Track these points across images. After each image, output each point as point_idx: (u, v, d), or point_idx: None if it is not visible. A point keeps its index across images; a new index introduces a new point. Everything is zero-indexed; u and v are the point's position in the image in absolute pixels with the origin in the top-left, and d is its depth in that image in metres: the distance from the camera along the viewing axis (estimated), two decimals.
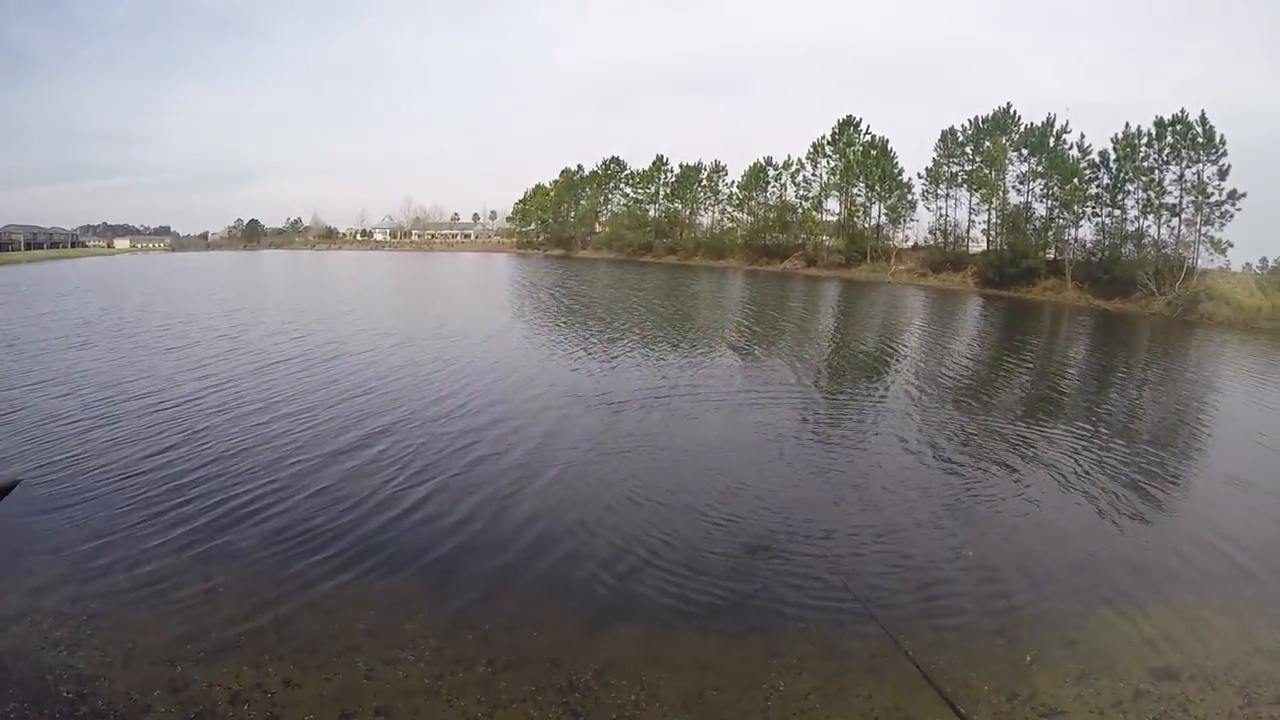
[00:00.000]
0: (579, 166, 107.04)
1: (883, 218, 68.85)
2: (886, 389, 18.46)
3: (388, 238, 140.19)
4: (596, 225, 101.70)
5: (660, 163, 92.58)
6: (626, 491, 10.20)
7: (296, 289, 45.04)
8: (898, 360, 23.80)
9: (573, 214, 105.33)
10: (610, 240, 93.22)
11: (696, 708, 5.61)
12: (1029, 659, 6.46)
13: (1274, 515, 10.92)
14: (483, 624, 6.59)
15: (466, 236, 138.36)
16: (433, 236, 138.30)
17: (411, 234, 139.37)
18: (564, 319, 28.98)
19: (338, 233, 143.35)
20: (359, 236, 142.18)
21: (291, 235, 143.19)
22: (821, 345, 26.13)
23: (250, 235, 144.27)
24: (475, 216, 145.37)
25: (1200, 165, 52.08)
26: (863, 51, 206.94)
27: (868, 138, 70.14)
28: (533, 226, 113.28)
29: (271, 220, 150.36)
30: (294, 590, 7.19)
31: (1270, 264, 59.43)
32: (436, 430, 12.97)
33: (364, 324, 25.81)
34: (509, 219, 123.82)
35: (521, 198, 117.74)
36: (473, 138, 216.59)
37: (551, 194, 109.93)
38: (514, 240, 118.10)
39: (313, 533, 8.56)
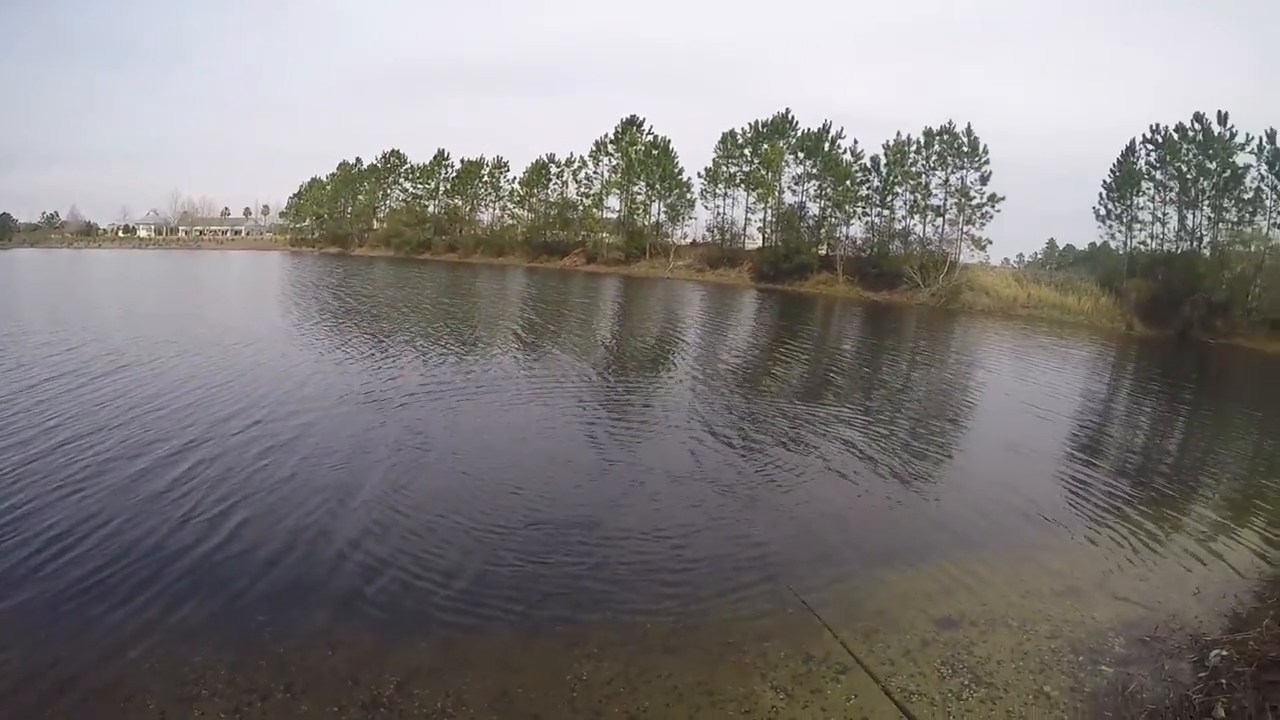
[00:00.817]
0: (357, 159, 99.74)
1: (662, 215, 69.99)
2: (670, 379, 18.34)
3: (153, 234, 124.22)
4: (374, 222, 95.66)
5: (441, 157, 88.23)
6: (414, 498, 9.49)
7: (64, 292, 38.67)
8: (679, 351, 23.76)
9: (350, 210, 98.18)
10: (388, 237, 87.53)
11: (503, 706, 5.54)
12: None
13: (1041, 471, 12.36)
14: (275, 648, 6.10)
15: (238, 233, 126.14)
16: (201, 233, 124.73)
17: (179, 230, 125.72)
18: (349, 321, 26.21)
19: (98, 229, 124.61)
20: (121, 233, 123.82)
21: (47, 231, 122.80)
22: (603, 339, 25.51)
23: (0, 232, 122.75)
24: (247, 211, 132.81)
25: (964, 171, 57.91)
26: (650, 52, 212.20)
27: (650, 137, 70.98)
28: (308, 223, 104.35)
29: (24, 215, 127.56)
30: (71, 640, 6.20)
31: (1026, 259, 66.08)
32: (220, 448, 11.00)
33: (141, 332, 21.82)
34: (282, 214, 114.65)
35: (297, 191, 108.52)
36: (247, 127, 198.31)
37: (328, 188, 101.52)
38: (288, 237, 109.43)
39: (93, 573, 7.24)
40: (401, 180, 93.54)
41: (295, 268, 58.97)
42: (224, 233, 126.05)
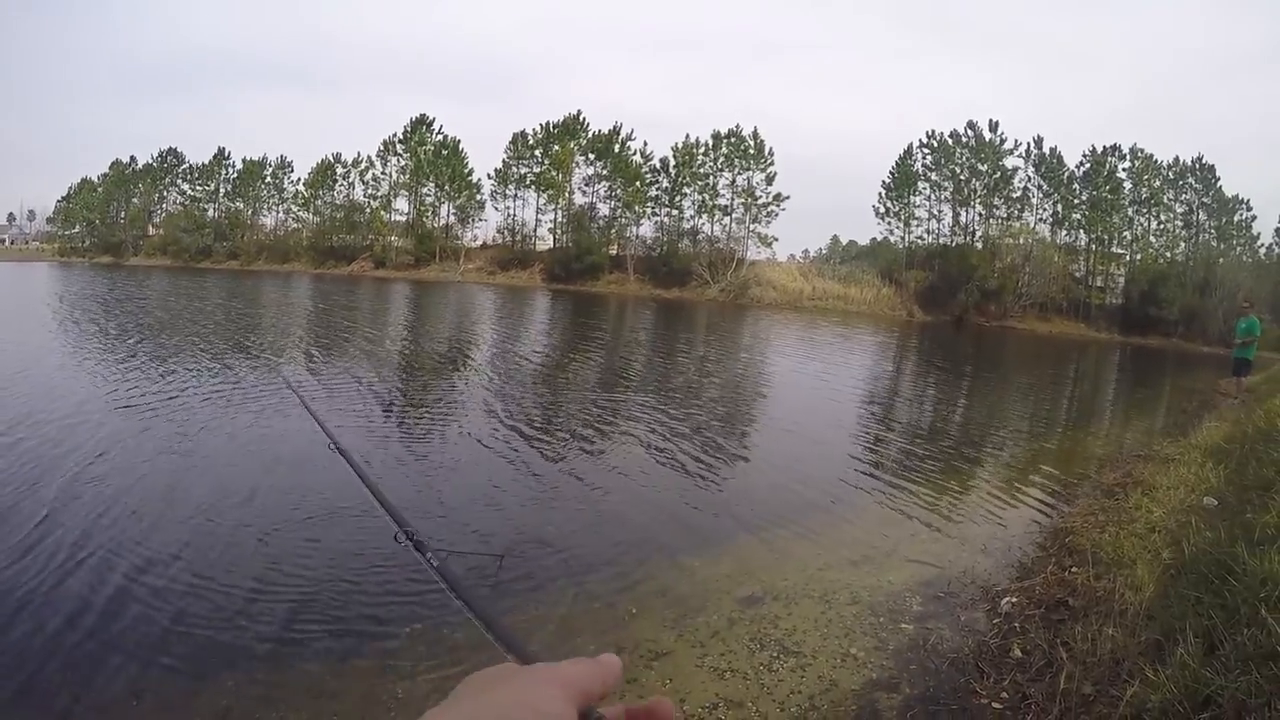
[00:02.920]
0: (131, 158, 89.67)
1: (452, 217, 68.48)
2: (462, 380, 17.59)
3: None
4: (150, 227, 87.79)
5: (221, 156, 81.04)
6: (184, 528, 8.33)
7: None
8: (473, 351, 23.04)
9: (124, 214, 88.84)
10: (165, 244, 79.54)
11: None
12: (629, 615, 6.65)
13: (831, 450, 12.90)
14: (73, 709, 5.23)
15: (0, 242, 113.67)
16: None
17: None
18: (125, 340, 22.64)
19: None
20: None
21: None
22: (392, 343, 24.02)
23: None
24: (11, 218, 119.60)
25: (751, 172, 59.78)
26: (441, 56, 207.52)
27: (439, 137, 68.79)
28: (78, 229, 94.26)
29: None
30: None
31: (811, 254, 68.91)
32: None
33: None
34: (49, 220, 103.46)
35: (65, 194, 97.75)
36: (9, 120, 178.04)
37: (100, 190, 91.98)
38: (55, 247, 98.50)
39: None
40: (179, 181, 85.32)
41: (65, 281, 51.93)
42: None
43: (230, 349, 20.04)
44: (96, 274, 59.14)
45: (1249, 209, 55.98)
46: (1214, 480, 8.94)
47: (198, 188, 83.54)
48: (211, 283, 51.68)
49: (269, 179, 78.52)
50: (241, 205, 79.96)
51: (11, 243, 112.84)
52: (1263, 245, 56.82)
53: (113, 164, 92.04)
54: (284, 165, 78.06)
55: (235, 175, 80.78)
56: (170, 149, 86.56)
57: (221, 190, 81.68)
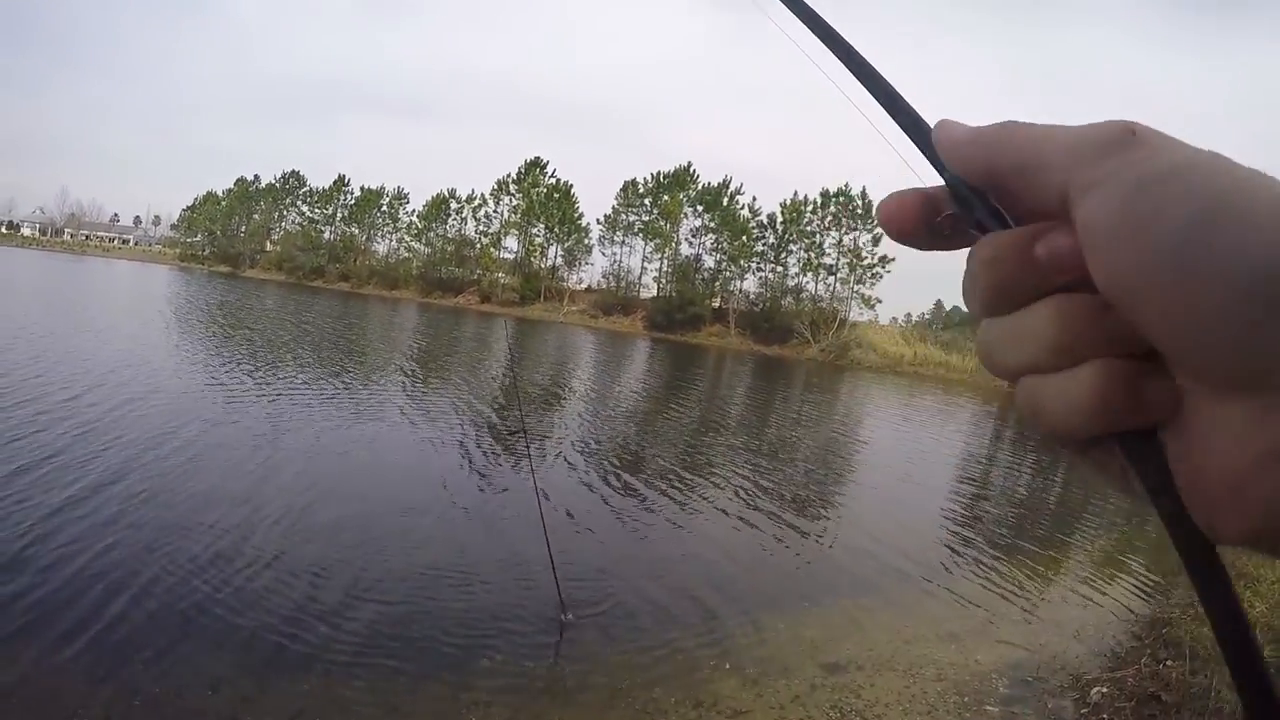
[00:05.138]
0: (255, 177, 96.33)
1: (559, 259, 69.70)
2: (561, 421, 17.87)
3: (37, 234, 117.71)
4: (268, 243, 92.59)
5: (341, 182, 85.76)
6: (299, 532, 8.75)
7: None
8: (573, 394, 23.50)
9: (244, 228, 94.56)
10: (281, 261, 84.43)
11: None
12: (707, 671, 6.63)
13: (922, 523, 12.64)
14: (151, 688, 5.50)
15: (125, 242, 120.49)
16: (87, 238, 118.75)
17: (65, 233, 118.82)
18: (251, 349, 24.55)
19: None
20: (3, 229, 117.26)
21: None
22: (493, 380, 24.63)
23: None
24: (137, 220, 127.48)
25: (857, 232, 59.52)
26: (557, 99, 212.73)
27: (552, 180, 70.66)
28: (199, 238, 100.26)
29: None
30: None
31: (913, 319, 68.24)
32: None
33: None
34: (174, 227, 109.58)
35: (191, 204, 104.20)
36: (145, 130, 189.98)
37: (224, 204, 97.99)
38: (177, 252, 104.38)
39: None
40: (299, 203, 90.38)
41: (188, 286, 55.54)
42: (111, 240, 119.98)
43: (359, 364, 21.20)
44: (226, 285, 62.38)
45: None
46: None
47: (316, 210, 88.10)
48: (325, 303, 54.12)
49: (385, 207, 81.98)
50: (356, 230, 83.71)
51: (136, 244, 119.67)
52: None
53: (238, 180, 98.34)
54: (400, 196, 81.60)
55: (353, 201, 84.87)
56: (293, 171, 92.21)
57: (339, 215, 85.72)
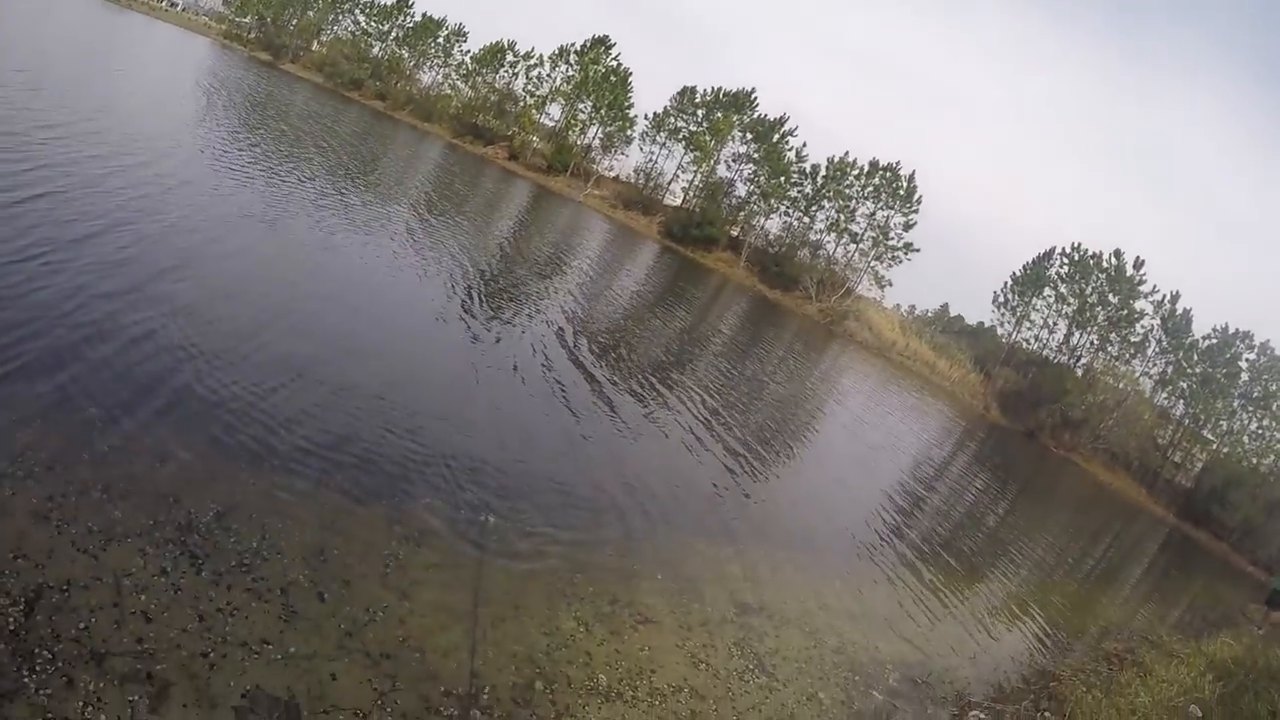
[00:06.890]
0: None
1: (597, 140, 68.87)
2: (550, 303, 17.67)
3: None
4: (315, 43, 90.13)
5: (404, 3, 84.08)
6: (280, 335, 8.98)
7: None
8: (568, 277, 23.07)
9: (295, 22, 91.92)
10: (323, 63, 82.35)
11: (317, 563, 5.44)
12: (629, 572, 6.92)
13: (865, 506, 13.09)
14: (100, 445, 5.74)
15: (174, 5, 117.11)
16: None
17: None
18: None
19: None
20: None
21: None
22: (493, 242, 24.15)
23: None
24: None
25: (892, 212, 58.97)
26: None
27: (614, 63, 69.06)
28: (248, 20, 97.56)
29: None
30: None
31: (916, 312, 68.31)
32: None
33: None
34: (226, 2, 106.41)
35: None
36: None
37: None
38: (223, 29, 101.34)
39: None
40: (356, 11, 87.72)
41: (226, 65, 54.24)
42: (160, 1, 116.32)
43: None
44: (263, 74, 61.31)
45: None
46: (1207, 693, 9.34)
47: (372, 24, 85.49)
48: (368, 120, 54.35)
49: (441, 40, 79.80)
50: (406, 54, 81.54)
51: (184, 10, 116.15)
52: None
53: None
54: (460, 33, 79.30)
55: (411, 25, 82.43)
56: None
57: (394, 34, 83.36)
